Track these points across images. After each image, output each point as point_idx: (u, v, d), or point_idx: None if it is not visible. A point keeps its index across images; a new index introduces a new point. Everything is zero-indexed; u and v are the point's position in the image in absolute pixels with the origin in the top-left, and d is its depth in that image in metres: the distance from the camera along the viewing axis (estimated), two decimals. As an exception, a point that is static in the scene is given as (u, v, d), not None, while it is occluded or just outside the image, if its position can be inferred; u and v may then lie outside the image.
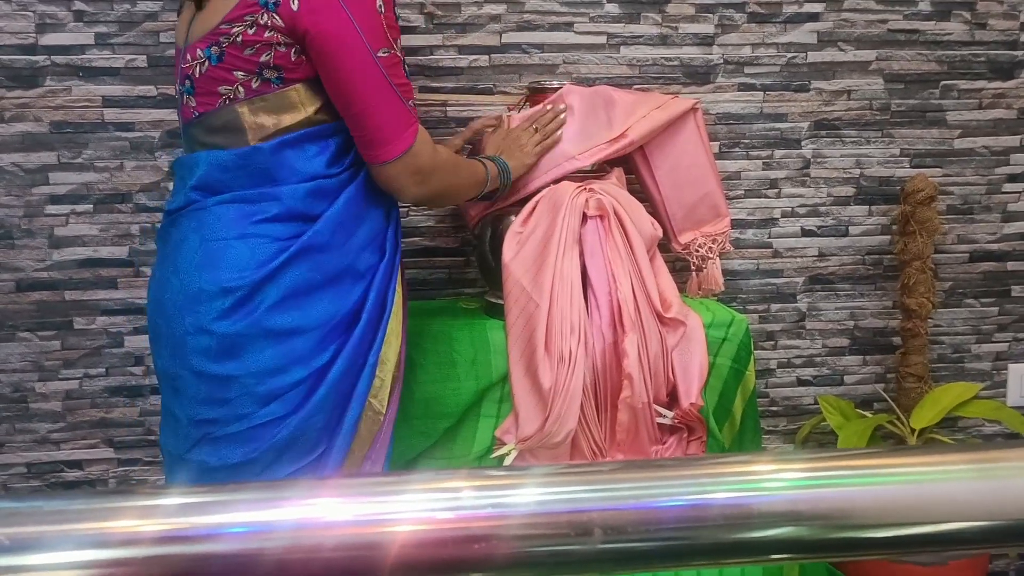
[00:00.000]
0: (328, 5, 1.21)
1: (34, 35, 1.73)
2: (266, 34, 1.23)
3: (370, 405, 1.38)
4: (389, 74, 1.25)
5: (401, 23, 1.79)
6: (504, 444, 1.56)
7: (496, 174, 1.53)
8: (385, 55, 1.24)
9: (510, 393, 1.57)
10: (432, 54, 1.84)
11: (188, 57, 1.30)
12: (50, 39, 1.74)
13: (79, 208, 1.80)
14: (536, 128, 1.62)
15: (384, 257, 1.40)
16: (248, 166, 1.29)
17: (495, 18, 1.84)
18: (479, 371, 1.59)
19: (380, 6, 1.24)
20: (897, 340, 2.01)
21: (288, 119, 1.28)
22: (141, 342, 1.82)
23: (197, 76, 1.29)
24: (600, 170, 1.68)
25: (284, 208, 1.29)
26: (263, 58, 1.24)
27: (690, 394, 1.58)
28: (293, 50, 1.24)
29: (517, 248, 1.56)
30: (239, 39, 1.24)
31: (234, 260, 1.26)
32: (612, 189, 1.62)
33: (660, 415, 1.56)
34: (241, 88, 1.26)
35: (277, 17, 1.21)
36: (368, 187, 1.36)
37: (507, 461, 1.55)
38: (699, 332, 1.61)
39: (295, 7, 1.21)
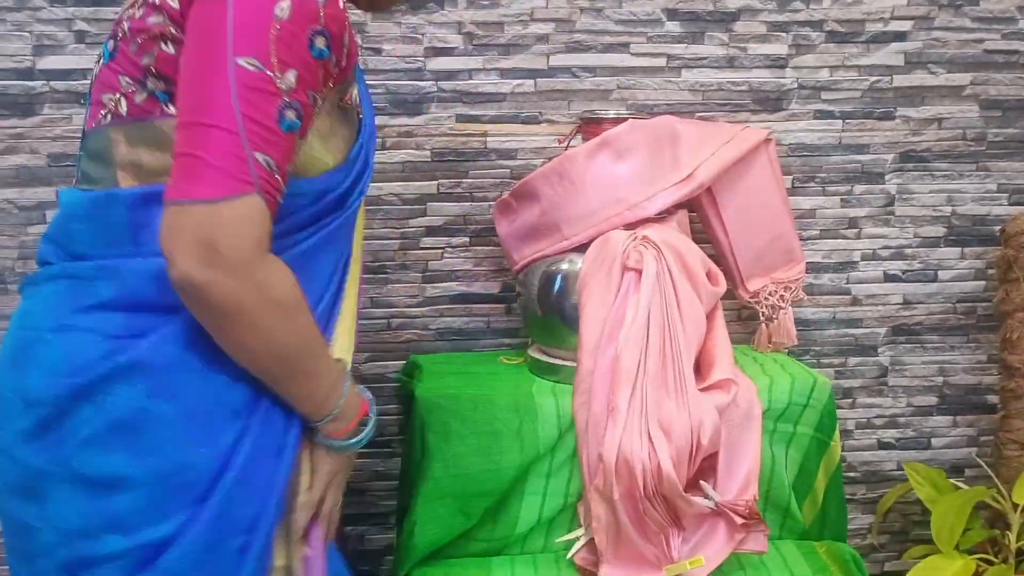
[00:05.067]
0: None
1: (31, 58, 1.56)
2: (153, 18, 0.88)
3: None
4: (240, 91, 0.82)
5: (438, 43, 1.62)
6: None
7: (349, 402, 1.01)
8: (250, 67, 0.83)
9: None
10: (471, 78, 1.64)
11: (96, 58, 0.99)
12: (48, 62, 1.57)
13: (79, 249, 1.62)
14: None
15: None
16: (100, 220, 0.92)
17: (542, 38, 1.64)
18: (524, 442, 1.39)
19: (282, 11, 0.84)
20: (993, 399, 1.79)
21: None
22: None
23: (94, 80, 0.96)
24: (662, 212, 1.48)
25: (124, 290, 0.90)
26: (145, 59, 0.89)
27: (733, 483, 1.34)
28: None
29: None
30: (127, 26, 0.90)
31: (44, 361, 0.89)
32: (671, 236, 1.42)
33: (705, 495, 1.32)
34: (124, 101, 0.91)
35: None
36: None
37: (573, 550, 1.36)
38: (752, 406, 1.37)
39: None
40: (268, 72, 0.83)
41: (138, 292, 0.90)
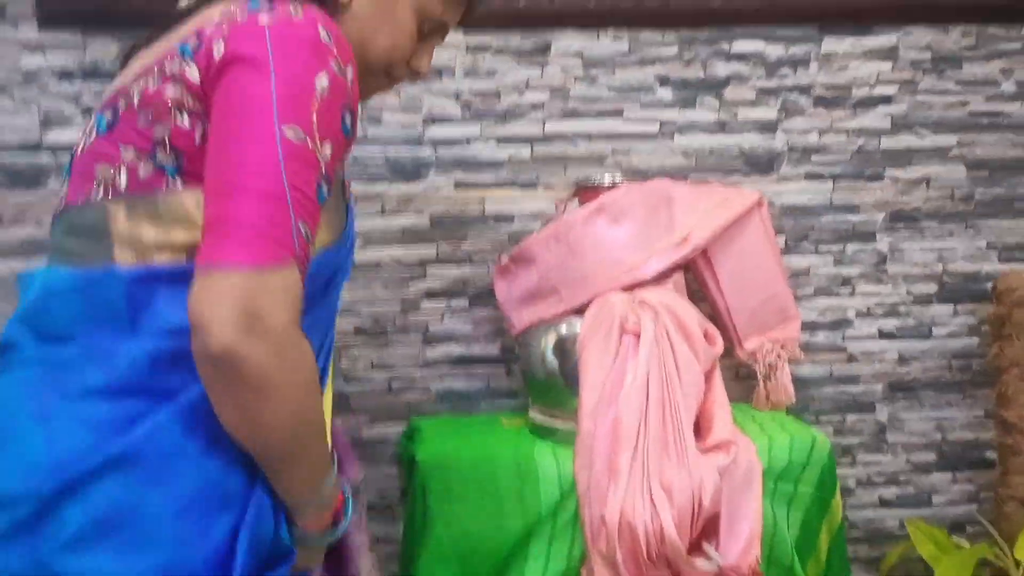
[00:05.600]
0: (254, 42, 0.83)
1: (38, 132, 1.60)
2: (169, 90, 0.85)
3: None
4: (287, 160, 0.80)
5: (436, 112, 1.66)
6: None
7: (332, 492, 0.96)
8: (294, 137, 0.81)
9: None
10: (469, 145, 1.68)
11: (84, 131, 0.94)
12: (55, 136, 1.60)
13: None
14: None
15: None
16: (93, 298, 0.85)
17: (537, 106, 1.69)
18: (526, 504, 1.39)
19: (323, 86, 0.84)
20: (991, 455, 1.80)
21: (180, 235, 0.85)
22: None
23: (79, 152, 0.91)
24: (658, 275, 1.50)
25: (115, 375, 0.83)
26: (158, 131, 0.85)
27: (735, 544, 1.34)
28: (200, 128, 0.85)
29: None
30: (137, 98, 0.86)
31: (24, 455, 0.81)
32: (668, 298, 1.44)
33: (708, 557, 1.32)
34: (124, 173, 0.86)
35: (192, 66, 0.84)
36: None
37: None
38: (752, 466, 1.38)
39: (218, 52, 0.83)
40: (310, 142, 0.82)
41: (131, 377, 0.83)
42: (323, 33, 0.85)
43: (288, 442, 0.86)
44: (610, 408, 1.36)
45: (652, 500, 1.28)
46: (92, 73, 1.59)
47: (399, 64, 1.04)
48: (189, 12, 0.94)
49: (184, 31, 0.89)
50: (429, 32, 1.06)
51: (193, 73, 0.84)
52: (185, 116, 0.85)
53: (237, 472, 0.86)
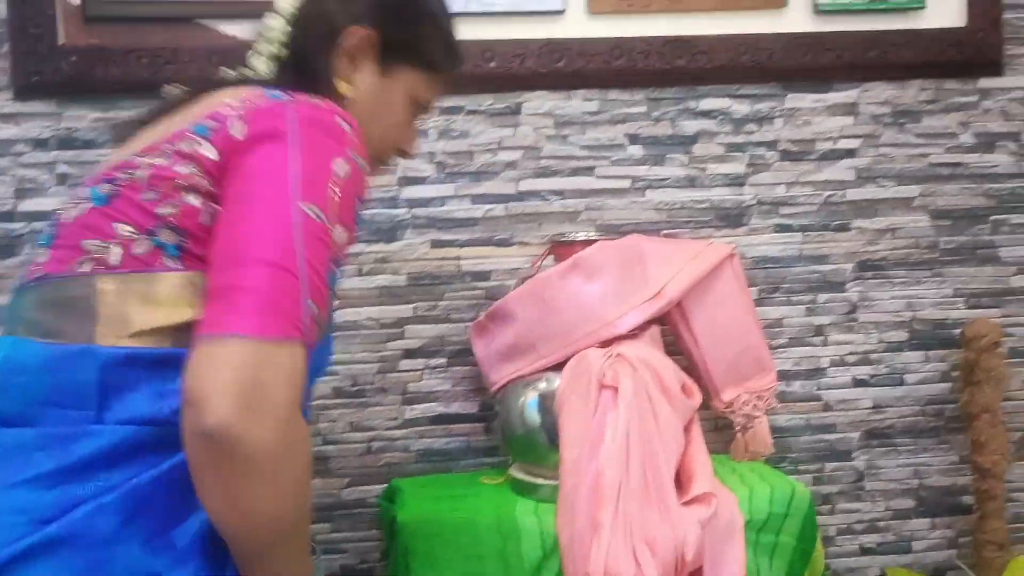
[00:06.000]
0: (276, 121, 0.83)
1: (12, 200, 1.60)
2: (179, 168, 0.82)
3: None
4: (304, 237, 0.78)
5: (411, 173, 1.68)
6: None
7: None
8: (312, 214, 0.79)
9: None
10: (444, 205, 1.70)
11: (69, 201, 0.90)
12: (30, 205, 1.60)
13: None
14: None
15: None
16: (63, 378, 0.80)
17: (511, 165, 1.72)
18: (509, 563, 1.38)
19: (341, 171, 0.83)
20: (968, 500, 1.81)
21: (170, 318, 0.81)
22: None
23: (67, 221, 0.87)
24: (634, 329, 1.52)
25: (71, 463, 0.77)
26: (164, 209, 0.82)
27: None
28: (209, 210, 0.82)
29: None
30: (143, 174, 0.84)
31: None
32: (645, 352, 1.45)
33: None
34: (117, 250, 0.82)
35: (209, 146, 0.82)
36: None
37: None
38: (734, 518, 1.38)
39: (239, 133, 0.82)
40: (326, 223, 0.80)
41: (85, 466, 0.77)
42: (342, 122, 0.86)
43: (276, 534, 0.80)
44: (591, 463, 1.36)
45: (635, 556, 1.27)
46: (67, 142, 1.60)
47: (390, 152, 1.08)
48: (193, 95, 0.95)
49: (195, 113, 0.88)
50: (416, 114, 1.10)
51: (210, 152, 0.82)
52: (194, 196, 0.83)
53: (193, 563, 0.80)
